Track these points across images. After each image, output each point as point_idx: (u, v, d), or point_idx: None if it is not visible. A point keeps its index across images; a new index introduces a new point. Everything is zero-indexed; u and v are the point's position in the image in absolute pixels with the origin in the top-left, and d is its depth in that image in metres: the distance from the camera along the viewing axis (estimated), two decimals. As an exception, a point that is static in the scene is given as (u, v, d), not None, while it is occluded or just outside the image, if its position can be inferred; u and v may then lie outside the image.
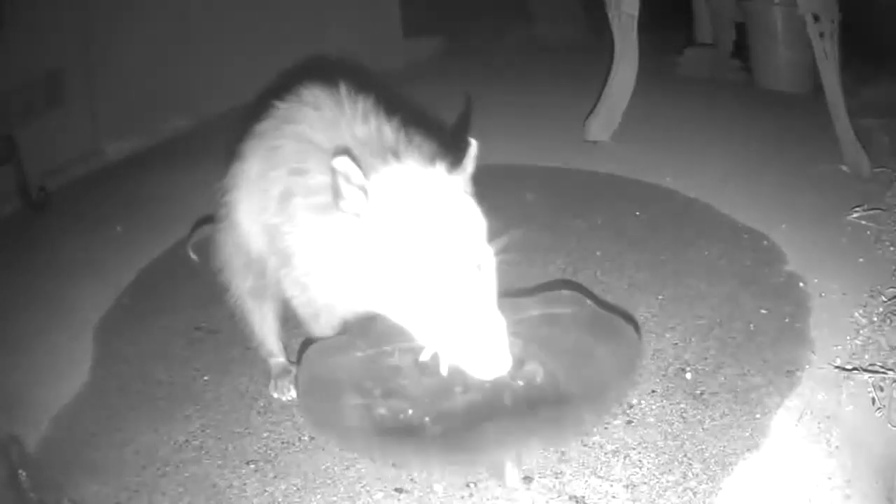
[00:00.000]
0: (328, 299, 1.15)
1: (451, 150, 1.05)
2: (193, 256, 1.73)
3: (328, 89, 1.17)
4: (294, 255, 1.12)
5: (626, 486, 1.15)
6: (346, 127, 1.09)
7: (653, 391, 1.35)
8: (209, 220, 1.63)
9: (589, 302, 1.29)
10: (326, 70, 1.23)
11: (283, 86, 1.24)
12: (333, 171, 0.94)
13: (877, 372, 1.36)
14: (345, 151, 0.98)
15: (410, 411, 1.25)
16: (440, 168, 1.00)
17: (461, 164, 1.01)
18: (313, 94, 1.17)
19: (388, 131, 1.08)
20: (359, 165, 0.95)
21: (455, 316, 0.95)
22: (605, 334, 1.22)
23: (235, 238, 1.31)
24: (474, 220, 0.99)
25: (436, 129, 1.13)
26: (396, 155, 1.01)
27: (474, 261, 0.96)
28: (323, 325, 1.24)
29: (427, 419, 1.24)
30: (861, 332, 1.49)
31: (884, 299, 1.59)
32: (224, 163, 1.35)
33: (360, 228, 0.98)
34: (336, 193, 0.96)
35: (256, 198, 1.21)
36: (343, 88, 1.16)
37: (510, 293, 1.27)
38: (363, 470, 1.21)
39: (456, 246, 0.95)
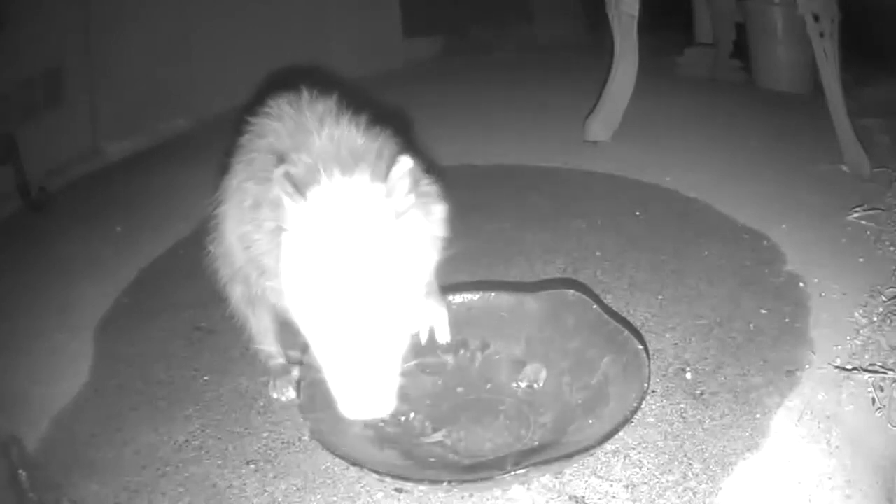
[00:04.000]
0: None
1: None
2: None
3: (293, 101, 1.18)
4: (265, 265, 1.12)
5: (626, 486, 1.15)
6: (304, 137, 1.09)
7: (653, 391, 1.35)
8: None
9: (594, 306, 1.29)
10: (299, 80, 1.25)
11: (261, 97, 1.29)
12: (277, 179, 0.94)
13: (877, 372, 1.36)
14: (283, 162, 0.99)
15: (412, 415, 1.25)
16: (379, 189, 0.96)
17: (392, 184, 0.95)
18: (278, 107, 1.20)
19: (342, 143, 1.06)
20: (296, 180, 0.94)
21: (344, 351, 0.93)
22: (611, 345, 1.22)
23: (223, 249, 1.34)
24: (391, 253, 0.94)
25: (390, 142, 1.10)
26: (342, 169, 0.98)
27: (377, 298, 0.92)
28: None
29: (428, 423, 1.25)
30: (861, 332, 1.49)
31: (884, 299, 1.59)
32: (217, 174, 1.37)
33: (287, 240, 0.97)
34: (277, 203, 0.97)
35: (235, 210, 1.23)
36: (304, 99, 1.17)
37: (513, 289, 1.28)
38: (363, 470, 1.21)
39: (359, 282, 0.91)
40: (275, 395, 1.42)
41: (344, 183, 0.96)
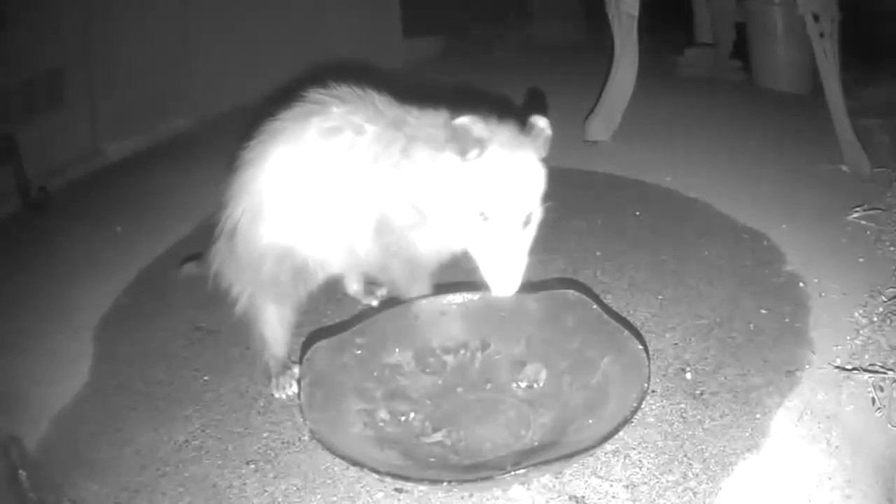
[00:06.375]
0: (425, 245, 1.33)
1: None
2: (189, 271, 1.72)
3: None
4: (391, 208, 1.30)
5: (626, 486, 1.15)
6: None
7: (653, 391, 1.35)
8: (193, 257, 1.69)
9: (594, 306, 1.28)
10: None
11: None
12: (456, 126, 1.17)
13: (877, 372, 1.36)
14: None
15: (412, 415, 1.25)
16: (527, 139, 1.23)
17: (534, 135, 1.24)
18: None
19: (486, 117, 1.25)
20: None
21: (496, 246, 1.20)
22: (611, 345, 1.22)
23: (260, 237, 1.33)
24: (539, 181, 1.23)
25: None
26: (495, 125, 1.23)
27: (526, 212, 1.21)
28: (419, 281, 1.38)
29: (428, 423, 1.24)
30: (861, 332, 1.49)
31: (884, 299, 1.59)
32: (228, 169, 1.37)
33: (463, 170, 1.20)
34: (456, 141, 1.18)
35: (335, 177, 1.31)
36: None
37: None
38: (363, 470, 1.21)
39: (519, 195, 1.20)
40: (276, 393, 1.42)
41: (506, 135, 1.22)
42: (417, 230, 1.31)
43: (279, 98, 1.36)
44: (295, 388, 1.40)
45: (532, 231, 1.23)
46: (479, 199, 1.19)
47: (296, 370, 1.43)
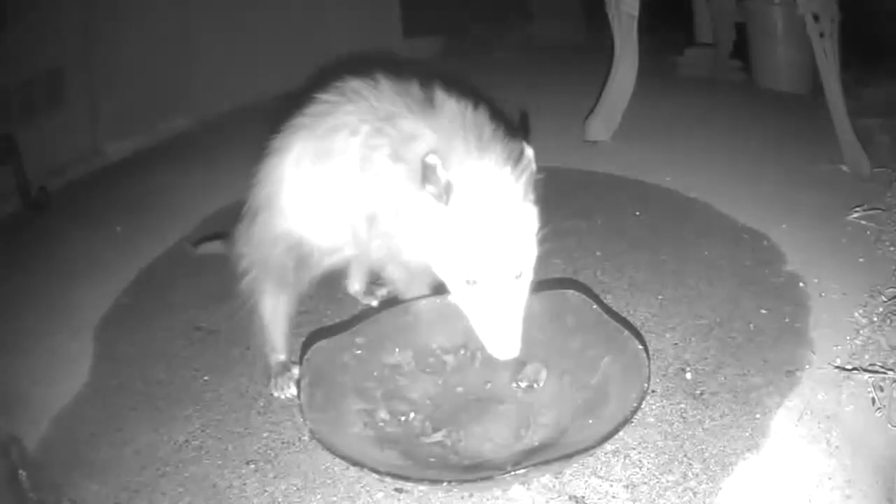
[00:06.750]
0: (410, 252, 1.26)
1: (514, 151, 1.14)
2: (196, 251, 1.73)
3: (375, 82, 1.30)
4: (379, 209, 1.24)
5: (626, 486, 1.15)
6: (434, 120, 1.19)
7: (653, 391, 1.35)
8: (219, 236, 1.69)
9: (595, 306, 1.28)
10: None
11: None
12: (424, 164, 1.08)
13: (877, 372, 1.36)
14: (434, 150, 1.12)
15: (412, 415, 1.25)
16: (508, 172, 1.11)
17: (519, 169, 1.12)
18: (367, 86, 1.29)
19: (472, 128, 1.16)
20: (444, 160, 1.08)
21: (488, 305, 1.11)
22: (611, 345, 1.22)
23: (277, 224, 1.37)
24: (527, 228, 1.13)
25: (502, 128, 1.20)
26: (478, 151, 1.12)
27: (517, 269, 1.11)
28: (418, 281, 1.34)
29: (428, 423, 1.24)
30: (861, 332, 1.49)
31: (884, 299, 1.59)
32: (256, 157, 1.40)
33: (436, 209, 1.11)
34: (425, 179, 1.09)
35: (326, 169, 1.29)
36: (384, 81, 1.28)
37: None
38: (363, 470, 1.21)
39: (505, 254, 1.10)
40: (275, 393, 1.42)
41: (482, 167, 1.11)
42: (400, 238, 1.26)
43: (297, 94, 1.38)
44: (293, 390, 1.40)
45: (527, 282, 1.15)
46: (462, 262, 1.11)
47: (295, 371, 1.43)
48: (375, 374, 1.29)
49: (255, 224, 1.39)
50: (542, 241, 1.15)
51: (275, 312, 1.42)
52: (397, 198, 1.19)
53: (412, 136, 1.18)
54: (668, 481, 1.16)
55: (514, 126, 1.20)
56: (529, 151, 1.12)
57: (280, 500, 1.18)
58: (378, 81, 1.29)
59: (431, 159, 1.07)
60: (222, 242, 1.68)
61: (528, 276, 1.14)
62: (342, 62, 1.41)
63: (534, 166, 1.12)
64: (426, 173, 1.08)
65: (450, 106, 1.20)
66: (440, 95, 1.22)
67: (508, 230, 1.10)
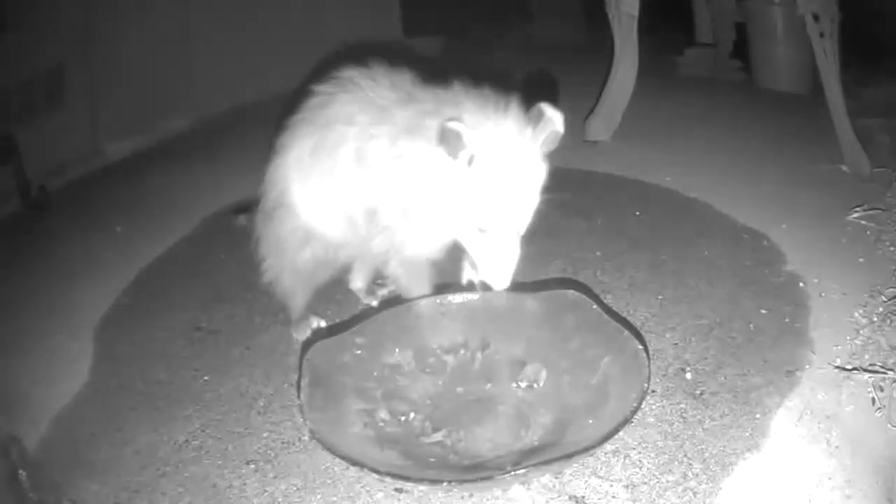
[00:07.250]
0: (420, 235, 1.31)
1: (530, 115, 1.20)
2: (241, 222, 1.74)
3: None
4: (387, 197, 1.28)
5: (626, 486, 1.15)
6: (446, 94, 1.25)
7: (653, 391, 1.35)
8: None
9: (594, 306, 1.28)
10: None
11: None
12: (445, 129, 1.12)
13: (877, 372, 1.36)
14: (457, 115, 1.17)
15: (412, 415, 1.25)
16: (526, 133, 1.18)
17: (538, 129, 1.18)
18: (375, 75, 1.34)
19: (483, 97, 1.21)
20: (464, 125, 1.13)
21: (493, 250, 1.20)
22: (611, 345, 1.22)
23: (291, 220, 1.42)
24: (536, 184, 1.20)
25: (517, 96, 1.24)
26: (495, 115, 1.18)
27: (524, 222, 1.20)
28: (419, 281, 1.39)
29: (428, 423, 1.24)
30: (861, 332, 1.49)
31: (884, 299, 1.59)
32: (257, 156, 1.44)
33: (457, 174, 1.16)
34: (446, 144, 1.13)
35: (333, 163, 1.32)
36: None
37: (513, 289, 1.28)
38: (363, 470, 1.21)
39: (516, 210, 1.19)
40: (294, 335, 1.53)
41: (502, 130, 1.16)
42: (403, 232, 1.31)
43: (298, 93, 1.40)
44: (309, 333, 1.55)
45: (525, 227, 1.23)
46: (476, 213, 1.19)
47: (314, 318, 1.57)
48: (375, 374, 1.29)
49: (271, 221, 1.44)
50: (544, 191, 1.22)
51: (304, 283, 1.50)
52: (400, 190, 1.24)
53: (423, 112, 1.22)
54: (668, 481, 1.16)
55: (536, 94, 1.24)
56: (550, 111, 1.17)
57: (280, 500, 1.18)
58: (374, 70, 1.32)
59: (453, 125, 1.12)
60: (246, 216, 1.70)
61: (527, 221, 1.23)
62: (342, 55, 1.42)
63: (558, 126, 1.17)
64: (447, 137, 1.12)
65: (458, 82, 1.25)
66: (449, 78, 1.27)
67: (522, 187, 1.18)
